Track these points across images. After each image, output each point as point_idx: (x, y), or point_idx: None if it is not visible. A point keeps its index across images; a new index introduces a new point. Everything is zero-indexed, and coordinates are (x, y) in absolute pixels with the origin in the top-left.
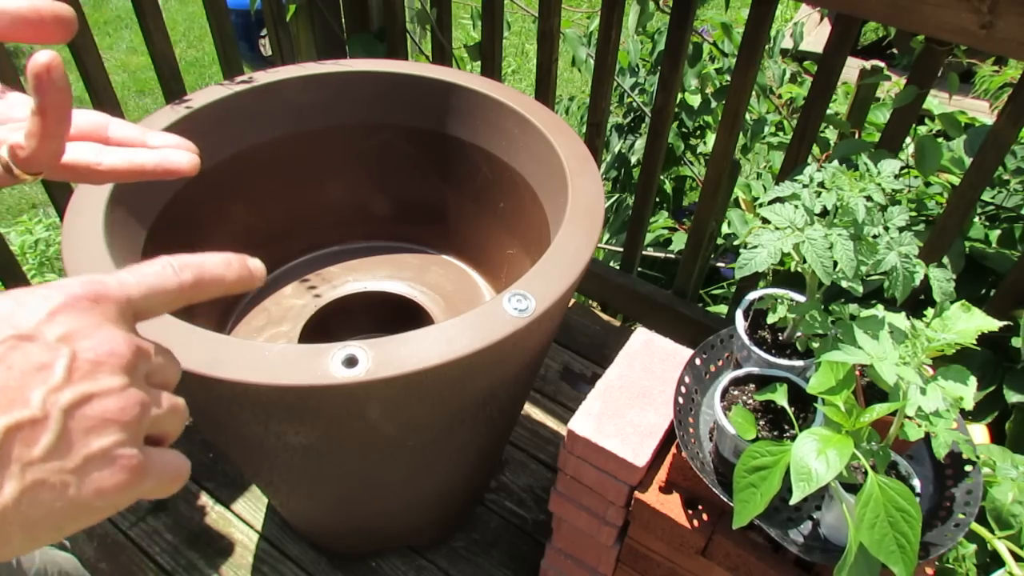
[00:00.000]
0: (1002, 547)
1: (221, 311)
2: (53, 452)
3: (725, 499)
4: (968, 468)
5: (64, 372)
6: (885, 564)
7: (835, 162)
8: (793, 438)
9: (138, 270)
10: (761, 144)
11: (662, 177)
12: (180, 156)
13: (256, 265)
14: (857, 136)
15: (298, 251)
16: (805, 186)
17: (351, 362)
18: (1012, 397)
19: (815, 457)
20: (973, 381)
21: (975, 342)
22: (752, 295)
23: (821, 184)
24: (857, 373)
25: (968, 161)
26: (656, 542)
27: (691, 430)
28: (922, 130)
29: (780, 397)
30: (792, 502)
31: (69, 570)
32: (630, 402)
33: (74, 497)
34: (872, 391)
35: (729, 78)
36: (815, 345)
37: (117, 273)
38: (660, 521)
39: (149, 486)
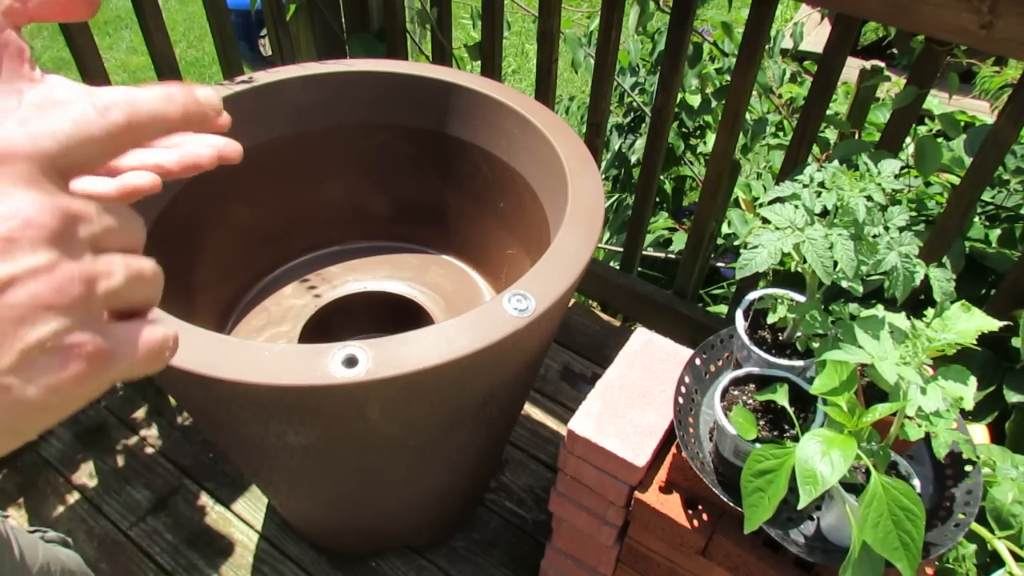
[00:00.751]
0: (1002, 547)
1: (221, 311)
2: None
3: (725, 499)
4: (968, 468)
5: None
6: (889, 562)
7: (835, 162)
8: (794, 438)
9: (50, 116)
10: (761, 144)
11: (662, 177)
12: (233, 146)
13: (207, 97)
14: (857, 136)
15: (298, 251)
16: (805, 186)
17: (351, 362)
18: (1012, 397)
19: (820, 459)
20: (973, 381)
21: (975, 342)
22: (752, 295)
23: (821, 184)
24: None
25: (968, 161)
26: (656, 542)
27: (691, 430)
28: (922, 130)
29: (780, 397)
30: (800, 507)
31: (73, 568)
32: (630, 402)
33: (21, 398)
34: (872, 391)
35: (729, 78)
36: (815, 345)
37: (25, 124)
38: (660, 521)
39: (121, 368)
